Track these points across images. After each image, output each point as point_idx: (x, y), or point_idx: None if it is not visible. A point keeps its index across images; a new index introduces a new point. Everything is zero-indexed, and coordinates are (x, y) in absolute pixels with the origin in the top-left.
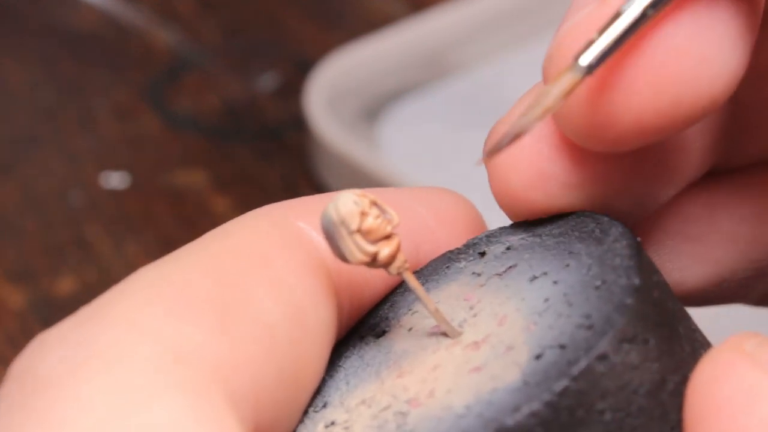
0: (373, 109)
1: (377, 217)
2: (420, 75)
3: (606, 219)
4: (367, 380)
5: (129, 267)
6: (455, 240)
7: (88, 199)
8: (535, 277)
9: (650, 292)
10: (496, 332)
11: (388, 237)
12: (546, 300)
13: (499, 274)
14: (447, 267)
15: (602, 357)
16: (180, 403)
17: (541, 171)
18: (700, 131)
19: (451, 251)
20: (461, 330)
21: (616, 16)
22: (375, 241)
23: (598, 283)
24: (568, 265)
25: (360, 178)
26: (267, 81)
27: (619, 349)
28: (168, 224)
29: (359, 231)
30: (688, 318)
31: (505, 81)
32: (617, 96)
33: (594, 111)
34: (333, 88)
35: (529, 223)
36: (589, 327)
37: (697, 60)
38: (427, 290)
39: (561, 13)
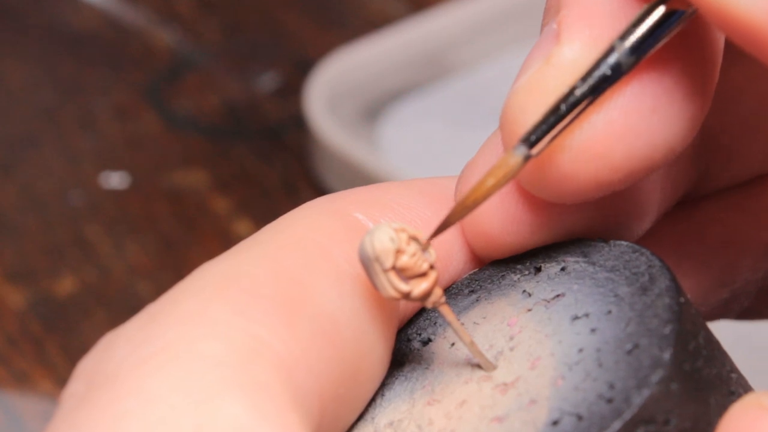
0: (373, 109)
1: (413, 255)
2: (420, 75)
3: (658, 264)
4: (401, 396)
5: (129, 267)
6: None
7: (88, 199)
8: (576, 318)
9: (681, 365)
10: (526, 377)
11: (424, 274)
12: (580, 351)
13: (547, 301)
14: (502, 276)
15: None
16: (243, 401)
17: (512, 215)
18: (667, 168)
19: (512, 257)
20: (495, 365)
21: (560, 101)
22: (410, 278)
23: (631, 346)
24: (609, 312)
25: (360, 178)
26: (267, 81)
27: (632, 431)
28: (168, 224)
29: (394, 268)
30: (728, 381)
31: (505, 81)
32: (568, 160)
33: (550, 173)
34: (333, 88)
35: (588, 243)
36: (610, 400)
37: (646, 116)
38: (477, 300)
39: None
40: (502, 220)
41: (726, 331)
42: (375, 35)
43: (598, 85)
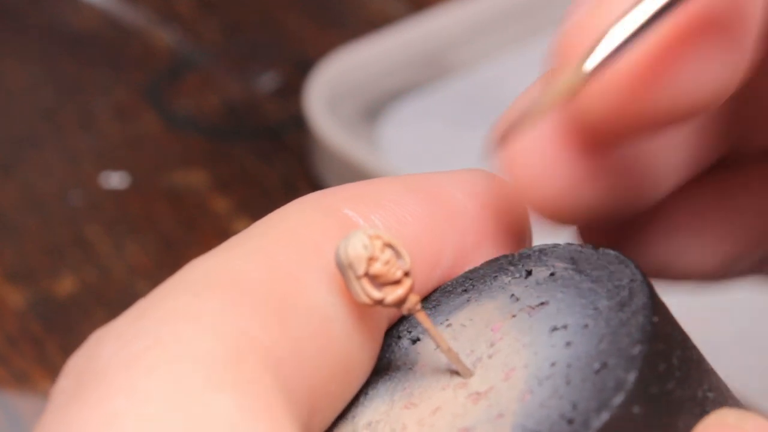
0: (373, 109)
1: (387, 262)
2: (420, 75)
3: (640, 279)
4: (382, 397)
5: (129, 267)
6: (498, 224)
7: (88, 199)
8: (555, 329)
9: (647, 388)
10: (499, 387)
11: (398, 281)
12: (552, 365)
13: (531, 308)
14: (495, 277)
15: None
16: (233, 397)
17: (545, 166)
18: (704, 122)
19: (505, 256)
20: (473, 372)
21: (623, 14)
22: (383, 285)
23: (598, 365)
24: (586, 326)
25: (360, 178)
26: (267, 81)
27: None
28: (168, 224)
29: (366, 275)
30: (703, 403)
31: (505, 81)
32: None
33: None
34: (333, 88)
35: (580, 249)
36: (570, 421)
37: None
38: (468, 301)
39: (560, 13)
40: (540, 170)
41: (726, 331)
42: (375, 35)
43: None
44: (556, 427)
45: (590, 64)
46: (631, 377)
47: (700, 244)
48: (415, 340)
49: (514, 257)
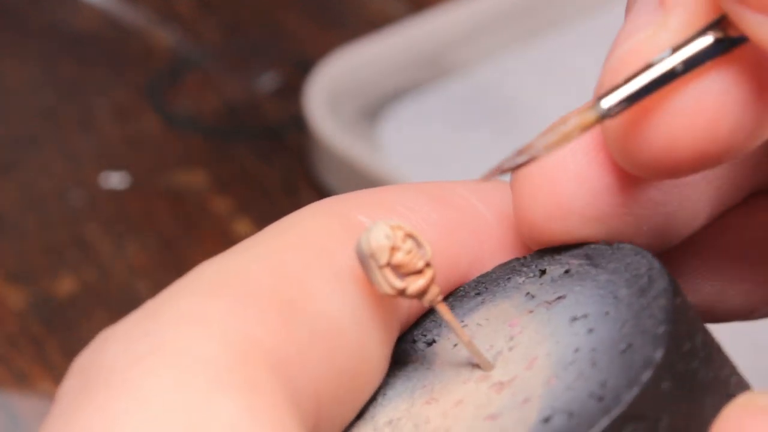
0: (373, 109)
1: (409, 252)
2: (420, 75)
3: (658, 267)
4: (401, 396)
5: (129, 267)
6: (515, 235)
7: (88, 199)
8: (575, 318)
9: (673, 365)
10: (522, 376)
11: (419, 271)
12: (576, 351)
13: (549, 303)
14: (508, 278)
15: None
16: (237, 401)
17: (561, 203)
18: (731, 166)
19: (517, 259)
20: (494, 364)
21: (647, 66)
22: (405, 275)
23: (624, 346)
24: (607, 313)
25: (360, 178)
26: (267, 81)
27: (621, 428)
28: (168, 224)
29: (389, 265)
30: (726, 384)
31: (505, 81)
32: (669, 125)
33: (648, 139)
34: (333, 88)
35: (594, 246)
36: (600, 398)
37: (713, 115)
38: (482, 302)
39: (561, 13)
40: (551, 208)
41: (725, 331)
42: (375, 35)
43: (698, 57)
44: (585, 405)
45: (607, 103)
46: (658, 354)
47: (730, 276)
48: (430, 343)
49: (526, 259)
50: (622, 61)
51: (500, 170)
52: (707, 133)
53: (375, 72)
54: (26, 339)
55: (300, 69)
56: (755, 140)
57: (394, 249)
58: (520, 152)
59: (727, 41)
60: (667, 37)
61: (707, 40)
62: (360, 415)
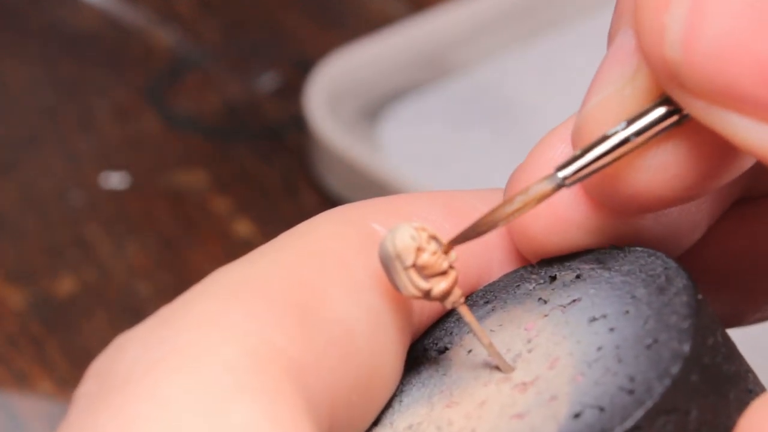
0: (373, 109)
1: (434, 253)
2: (420, 75)
3: (674, 266)
4: (419, 402)
5: (129, 267)
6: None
7: (88, 199)
8: (594, 319)
9: (700, 358)
10: (546, 376)
11: (444, 273)
12: (599, 349)
13: (563, 306)
14: (517, 286)
15: (636, 429)
16: (256, 406)
17: (560, 216)
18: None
19: (525, 267)
20: (514, 366)
21: (603, 138)
22: (430, 277)
23: (650, 341)
24: (627, 312)
25: (360, 178)
26: (267, 81)
27: (654, 420)
28: (168, 224)
29: (414, 266)
30: (746, 379)
31: (505, 81)
32: (643, 179)
33: (622, 188)
34: (333, 88)
35: (602, 251)
36: (631, 392)
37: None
38: (493, 310)
39: (561, 13)
40: (550, 222)
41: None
42: (375, 35)
43: (651, 127)
44: (616, 399)
45: (563, 174)
46: (687, 347)
47: (734, 285)
48: (442, 350)
49: (534, 267)
50: (590, 118)
51: (464, 238)
52: (668, 191)
53: (375, 72)
54: (26, 339)
55: (300, 69)
56: (722, 183)
57: (420, 250)
58: (482, 222)
59: (680, 114)
60: (631, 94)
61: (660, 111)
62: (377, 422)
